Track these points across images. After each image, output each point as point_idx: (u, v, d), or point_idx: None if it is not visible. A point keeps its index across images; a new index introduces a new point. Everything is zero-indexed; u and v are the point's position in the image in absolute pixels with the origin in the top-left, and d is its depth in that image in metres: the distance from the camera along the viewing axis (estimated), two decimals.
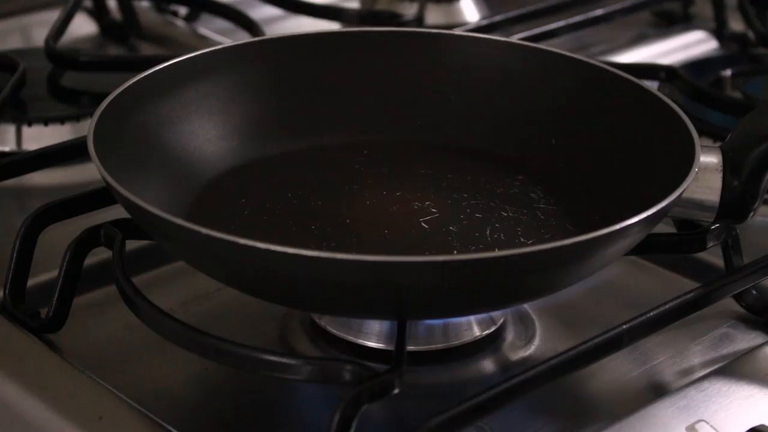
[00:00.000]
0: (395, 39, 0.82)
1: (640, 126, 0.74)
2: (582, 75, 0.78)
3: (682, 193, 0.64)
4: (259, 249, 0.58)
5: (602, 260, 0.63)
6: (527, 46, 0.81)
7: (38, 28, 1.10)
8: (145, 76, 0.74)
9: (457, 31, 0.87)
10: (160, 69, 0.75)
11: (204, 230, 0.60)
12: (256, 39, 0.84)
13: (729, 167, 0.69)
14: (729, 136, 0.72)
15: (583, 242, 0.60)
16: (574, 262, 0.62)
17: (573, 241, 0.60)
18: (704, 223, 0.72)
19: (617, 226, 0.61)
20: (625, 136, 0.75)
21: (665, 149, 0.70)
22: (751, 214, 0.71)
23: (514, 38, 0.91)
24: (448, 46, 0.82)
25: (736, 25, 1.16)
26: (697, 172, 0.66)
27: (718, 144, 0.73)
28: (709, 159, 0.70)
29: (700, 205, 0.70)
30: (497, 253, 0.58)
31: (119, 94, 0.72)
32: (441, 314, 0.67)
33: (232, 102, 0.78)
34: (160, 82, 0.75)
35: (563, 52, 0.79)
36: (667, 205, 0.63)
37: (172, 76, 0.76)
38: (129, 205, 0.63)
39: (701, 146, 0.68)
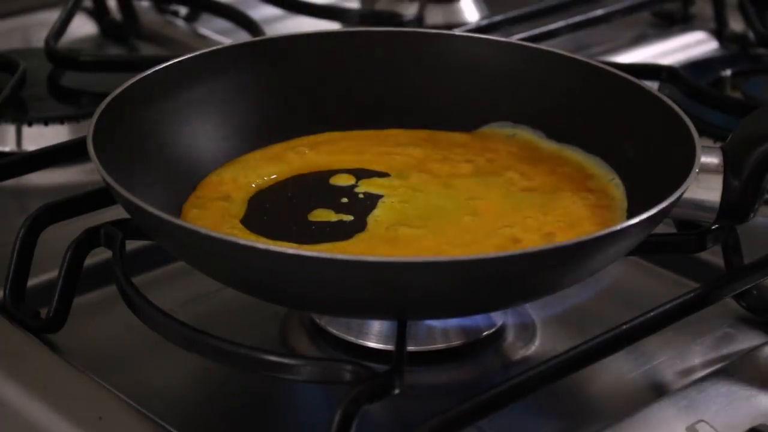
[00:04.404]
0: (395, 39, 0.82)
1: (640, 126, 0.74)
2: (582, 75, 0.78)
3: (682, 194, 0.64)
4: (259, 249, 0.58)
5: (603, 260, 0.63)
6: (527, 46, 0.81)
7: (38, 28, 1.10)
8: (145, 76, 0.74)
9: (457, 31, 0.88)
10: (159, 69, 0.75)
11: (204, 230, 0.60)
12: (256, 39, 0.84)
13: (730, 168, 0.69)
14: (730, 136, 0.72)
15: (584, 243, 0.60)
16: (574, 262, 0.62)
17: (574, 242, 0.60)
18: (705, 224, 0.72)
19: (617, 227, 0.61)
20: (625, 136, 0.75)
21: (665, 150, 0.70)
22: (752, 214, 0.71)
23: (514, 38, 0.91)
24: (448, 46, 0.82)
25: (736, 25, 1.16)
26: (697, 173, 0.66)
27: (718, 144, 0.73)
28: (709, 159, 0.70)
29: (700, 206, 0.70)
30: (497, 253, 0.59)
31: (119, 95, 0.72)
32: (441, 314, 0.67)
33: (232, 102, 0.78)
34: (159, 82, 0.75)
35: (563, 52, 0.79)
36: (667, 206, 0.63)
37: (172, 76, 0.76)
38: (129, 205, 0.63)
39: (702, 146, 0.68)
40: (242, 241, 0.60)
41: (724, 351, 0.72)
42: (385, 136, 0.80)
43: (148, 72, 0.75)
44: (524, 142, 0.78)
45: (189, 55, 0.77)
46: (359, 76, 0.81)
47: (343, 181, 0.75)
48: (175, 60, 0.76)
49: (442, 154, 0.78)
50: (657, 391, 0.69)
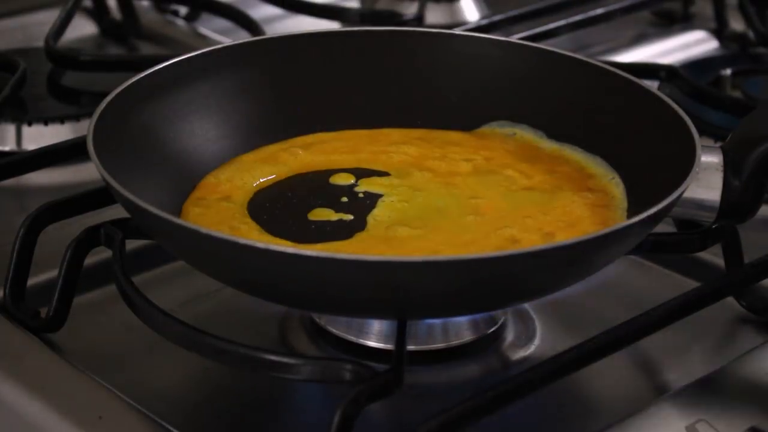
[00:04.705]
0: (395, 38, 0.82)
1: (640, 125, 0.74)
2: (582, 74, 0.78)
3: (682, 194, 0.64)
4: (258, 248, 0.58)
5: (603, 260, 0.63)
6: (526, 45, 0.81)
7: (38, 27, 1.10)
8: (145, 76, 0.74)
9: (457, 31, 0.87)
10: (159, 69, 0.75)
11: (203, 229, 0.60)
12: (256, 38, 0.84)
13: (730, 167, 0.69)
14: (730, 135, 0.72)
15: (584, 242, 0.60)
16: (574, 262, 0.62)
17: (573, 242, 0.60)
18: (705, 223, 0.72)
19: (617, 227, 0.61)
20: (625, 136, 0.75)
21: (666, 149, 0.70)
22: (752, 214, 0.71)
23: (514, 38, 0.91)
24: (448, 45, 0.82)
25: (736, 24, 1.16)
26: (697, 172, 0.66)
27: (718, 144, 0.73)
28: (709, 159, 0.70)
29: (700, 205, 0.70)
30: (497, 253, 0.58)
31: (119, 94, 0.72)
32: (441, 314, 0.67)
33: (232, 101, 0.78)
34: (159, 81, 0.75)
35: (563, 52, 0.79)
36: (667, 205, 0.63)
37: (172, 75, 0.76)
38: (128, 205, 0.63)
39: (702, 146, 0.68)
40: (242, 241, 0.60)
41: (724, 351, 0.72)
42: (378, 135, 0.80)
43: (148, 72, 0.75)
44: (523, 142, 0.78)
45: (188, 55, 0.77)
46: (357, 75, 0.81)
47: (343, 180, 0.75)
48: (175, 60, 0.76)
49: (439, 152, 0.78)
50: (657, 391, 0.69)
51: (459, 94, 0.81)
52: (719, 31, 1.17)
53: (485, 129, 0.80)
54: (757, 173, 0.69)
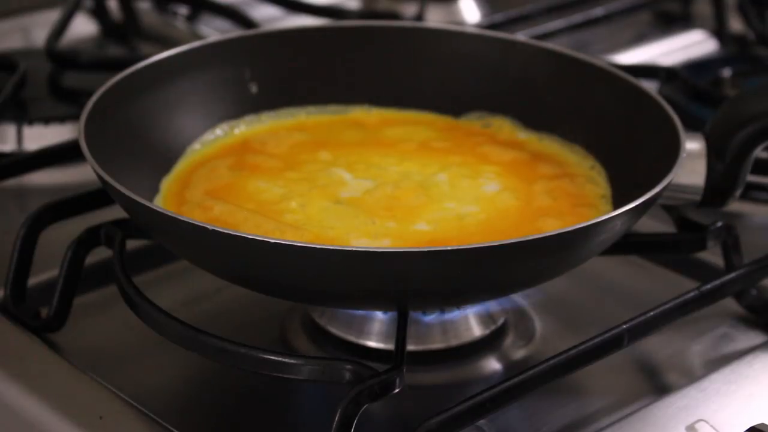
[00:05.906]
0: (387, 34, 0.82)
1: (621, 115, 0.74)
2: (560, 66, 0.79)
3: (670, 182, 0.64)
4: (258, 241, 0.58)
5: (592, 250, 0.63)
6: (528, 43, 0.81)
7: (38, 28, 1.10)
8: (133, 72, 0.75)
9: (457, 28, 0.87)
10: (147, 65, 0.76)
11: (210, 226, 0.60)
12: (241, 34, 0.84)
13: (713, 152, 0.70)
14: (709, 121, 0.72)
15: (578, 230, 0.60)
16: (575, 246, 0.61)
17: (575, 228, 0.60)
18: (688, 204, 0.72)
19: (600, 218, 0.61)
20: (606, 125, 0.75)
21: (648, 136, 0.71)
22: (734, 197, 0.71)
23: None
24: (448, 42, 0.82)
25: (736, 25, 1.16)
26: (683, 158, 0.66)
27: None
28: (692, 145, 0.70)
29: (684, 189, 0.70)
30: (496, 242, 0.58)
31: (107, 91, 0.72)
32: (436, 304, 0.66)
33: (222, 96, 0.78)
34: (148, 77, 0.75)
35: (541, 44, 0.80)
36: (654, 195, 0.63)
37: (161, 71, 0.76)
38: (127, 202, 0.63)
39: (684, 133, 0.68)
40: (249, 236, 0.59)
41: (724, 351, 0.72)
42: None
43: (135, 68, 0.75)
44: (502, 132, 0.79)
45: (176, 51, 0.78)
46: (346, 71, 0.81)
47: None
48: (162, 56, 0.77)
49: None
50: (657, 391, 0.69)
51: (457, 92, 0.81)
52: (719, 32, 1.17)
53: (461, 120, 0.80)
54: (740, 156, 0.70)
